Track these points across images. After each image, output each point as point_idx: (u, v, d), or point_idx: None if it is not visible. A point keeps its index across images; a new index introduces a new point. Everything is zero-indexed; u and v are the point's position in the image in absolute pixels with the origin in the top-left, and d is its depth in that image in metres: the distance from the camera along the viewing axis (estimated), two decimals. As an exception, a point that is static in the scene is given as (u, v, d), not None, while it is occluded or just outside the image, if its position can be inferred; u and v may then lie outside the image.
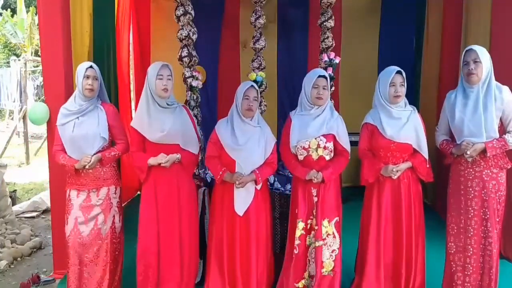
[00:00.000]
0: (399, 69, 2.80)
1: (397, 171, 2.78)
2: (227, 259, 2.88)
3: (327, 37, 3.74)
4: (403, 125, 2.78)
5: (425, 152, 2.81)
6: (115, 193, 2.90)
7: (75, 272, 2.83)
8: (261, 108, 3.83)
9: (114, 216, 2.89)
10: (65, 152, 2.80)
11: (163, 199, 2.83)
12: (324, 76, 2.84)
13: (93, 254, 2.84)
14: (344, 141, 2.85)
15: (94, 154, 2.78)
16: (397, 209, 2.84)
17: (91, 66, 2.81)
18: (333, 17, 3.76)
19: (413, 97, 5.24)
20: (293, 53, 5.80)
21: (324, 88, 2.82)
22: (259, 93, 2.89)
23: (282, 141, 2.93)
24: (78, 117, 2.79)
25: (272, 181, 3.63)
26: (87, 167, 2.75)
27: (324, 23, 3.74)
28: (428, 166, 2.84)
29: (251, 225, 2.85)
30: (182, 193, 2.87)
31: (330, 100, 3.62)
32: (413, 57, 5.65)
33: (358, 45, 5.66)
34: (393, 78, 2.76)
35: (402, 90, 2.77)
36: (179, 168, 2.85)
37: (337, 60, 3.66)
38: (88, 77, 2.78)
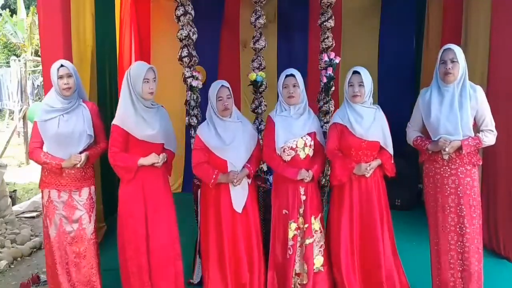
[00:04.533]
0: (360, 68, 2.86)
1: (371, 169, 2.83)
2: (229, 257, 2.88)
3: (327, 37, 3.74)
4: (371, 123, 2.82)
5: (390, 149, 2.89)
6: (95, 193, 2.92)
7: (64, 271, 2.82)
8: (261, 108, 3.83)
9: (95, 215, 2.91)
10: (42, 149, 2.77)
11: (152, 199, 2.82)
12: (291, 75, 2.87)
13: (79, 255, 2.83)
14: (321, 138, 2.99)
15: (81, 152, 2.77)
16: (368, 207, 2.87)
17: (61, 65, 2.77)
18: (333, 17, 3.75)
19: (413, 97, 5.25)
20: (293, 53, 5.79)
21: (294, 86, 2.85)
22: (231, 90, 2.89)
23: (266, 144, 2.94)
24: (62, 115, 2.76)
25: (272, 181, 3.63)
26: (78, 165, 2.74)
27: (324, 23, 3.74)
28: (392, 162, 2.91)
29: (250, 220, 2.90)
30: (166, 192, 2.91)
31: (330, 99, 3.65)
32: (413, 57, 5.60)
33: (358, 45, 5.63)
34: (350, 78, 2.83)
35: (361, 90, 2.79)
36: (163, 168, 2.88)
37: (337, 60, 3.66)
38: (61, 77, 2.74)
